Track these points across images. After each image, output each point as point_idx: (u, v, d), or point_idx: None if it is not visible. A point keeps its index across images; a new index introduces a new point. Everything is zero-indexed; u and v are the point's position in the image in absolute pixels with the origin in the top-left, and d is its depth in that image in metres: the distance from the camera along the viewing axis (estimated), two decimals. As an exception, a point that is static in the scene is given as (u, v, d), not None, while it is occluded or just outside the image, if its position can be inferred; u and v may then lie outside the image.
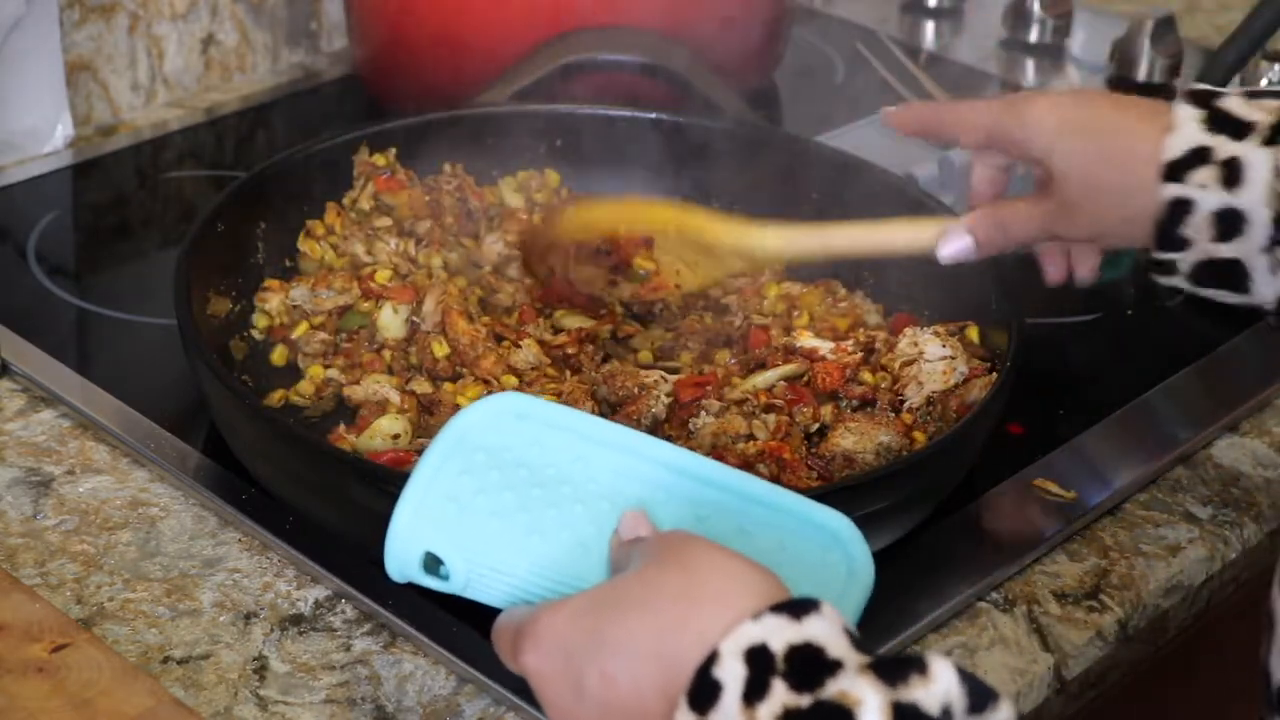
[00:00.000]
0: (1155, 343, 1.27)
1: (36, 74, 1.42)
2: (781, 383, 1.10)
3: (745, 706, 0.69)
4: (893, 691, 0.67)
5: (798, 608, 0.71)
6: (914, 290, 1.20)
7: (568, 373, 1.12)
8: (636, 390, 1.08)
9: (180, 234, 1.23)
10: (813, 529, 0.85)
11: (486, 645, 0.94)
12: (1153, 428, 1.18)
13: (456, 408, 1.07)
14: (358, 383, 1.10)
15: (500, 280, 1.22)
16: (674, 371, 1.12)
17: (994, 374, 1.08)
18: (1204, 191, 0.95)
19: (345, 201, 1.25)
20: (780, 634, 0.70)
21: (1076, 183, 0.99)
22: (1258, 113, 0.96)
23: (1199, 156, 0.96)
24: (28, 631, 0.92)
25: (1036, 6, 1.72)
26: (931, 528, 1.04)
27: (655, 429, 1.07)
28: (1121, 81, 1.64)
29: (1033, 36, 1.72)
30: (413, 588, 0.98)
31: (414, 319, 1.13)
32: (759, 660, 0.70)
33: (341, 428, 1.07)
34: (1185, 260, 0.98)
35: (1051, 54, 1.72)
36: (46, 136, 1.45)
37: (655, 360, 1.15)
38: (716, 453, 1.03)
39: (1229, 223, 0.95)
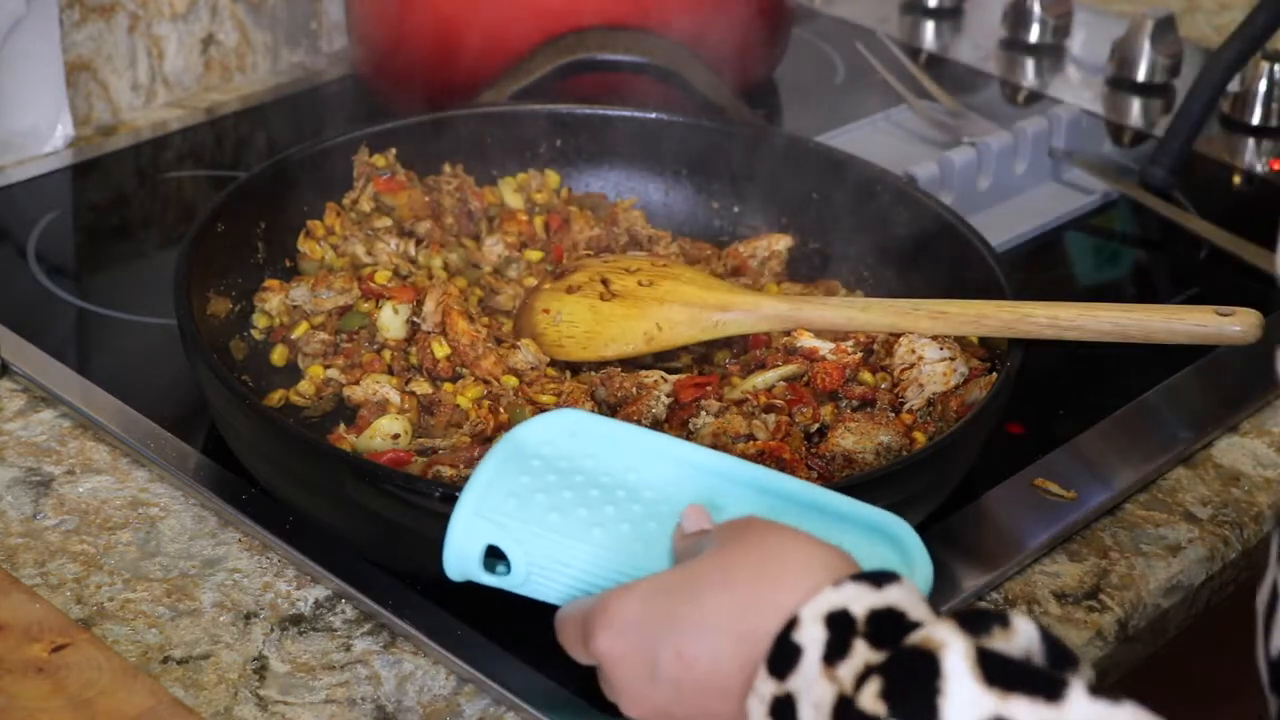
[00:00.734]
0: (1155, 343, 1.27)
1: (36, 74, 1.42)
2: (781, 383, 1.10)
3: (826, 667, 0.69)
4: (976, 639, 0.67)
5: (878, 578, 0.72)
6: (914, 290, 1.20)
7: (567, 373, 1.13)
8: (636, 390, 1.08)
9: (180, 234, 1.23)
10: (870, 533, 0.86)
11: (487, 645, 0.95)
12: (1153, 428, 1.18)
13: (456, 408, 1.07)
14: (358, 383, 1.09)
15: (500, 281, 1.22)
16: (673, 371, 1.12)
17: (994, 374, 1.08)
18: None
19: (345, 202, 1.25)
20: (861, 600, 0.71)
21: None
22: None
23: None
24: (28, 631, 0.92)
25: (1036, 6, 1.71)
26: (932, 527, 1.04)
27: (655, 429, 1.06)
28: (1121, 81, 1.64)
29: (1033, 36, 1.72)
30: (413, 588, 0.98)
31: (414, 319, 1.13)
32: (840, 623, 0.70)
33: (341, 428, 1.07)
34: None
35: (1051, 54, 1.72)
36: (46, 136, 1.45)
37: (655, 360, 1.15)
38: (717, 453, 1.03)
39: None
